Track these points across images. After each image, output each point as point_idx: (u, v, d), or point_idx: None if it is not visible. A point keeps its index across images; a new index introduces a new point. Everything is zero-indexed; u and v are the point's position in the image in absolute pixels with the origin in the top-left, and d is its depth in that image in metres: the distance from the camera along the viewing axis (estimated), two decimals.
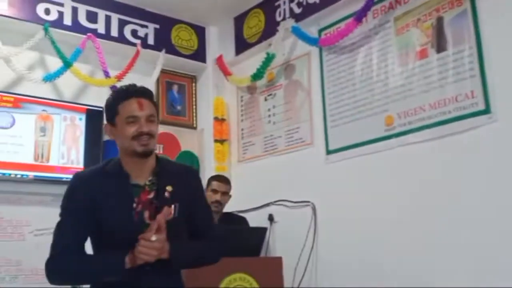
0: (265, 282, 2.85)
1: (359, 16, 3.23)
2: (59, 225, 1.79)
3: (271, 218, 3.72)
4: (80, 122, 3.67)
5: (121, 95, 1.81)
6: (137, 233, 1.69)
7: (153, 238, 1.67)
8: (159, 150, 4.11)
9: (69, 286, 1.92)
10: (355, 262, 3.12)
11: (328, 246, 3.34)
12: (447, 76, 2.87)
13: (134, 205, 1.77)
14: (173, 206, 1.77)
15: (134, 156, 1.78)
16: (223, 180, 3.55)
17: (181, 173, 1.89)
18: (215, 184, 3.50)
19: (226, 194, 3.52)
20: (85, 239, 1.81)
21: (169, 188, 1.80)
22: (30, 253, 3.33)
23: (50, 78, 3.54)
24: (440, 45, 2.93)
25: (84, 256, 1.78)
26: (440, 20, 2.94)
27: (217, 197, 3.45)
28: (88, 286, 1.86)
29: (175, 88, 4.39)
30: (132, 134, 1.75)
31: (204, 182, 4.16)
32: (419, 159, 2.93)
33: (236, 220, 3.58)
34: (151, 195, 1.79)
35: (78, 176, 1.86)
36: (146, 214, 1.77)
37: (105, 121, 1.90)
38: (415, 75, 3.02)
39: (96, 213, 1.76)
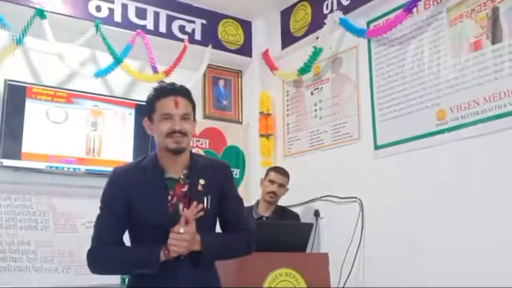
0: (311, 278, 2.83)
1: (408, 7, 3.15)
2: (98, 218, 1.88)
3: (317, 213, 3.69)
4: (129, 117, 3.75)
5: (159, 93, 1.87)
6: (173, 225, 1.77)
7: (181, 230, 1.74)
8: (205, 145, 4.15)
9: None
10: (403, 260, 3.05)
11: (375, 244, 3.29)
12: (503, 68, 2.76)
13: (169, 197, 1.83)
14: (205, 198, 1.84)
15: (167, 152, 1.84)
16: (281, 172, 3.53)
17: (212, 167, 1.94)
18: (272, 175, 3.50)
19: (282, 186, 3.50)
20: (123, 232, 1.88)
21: (201, 181, 1.86)
22: (82, 244, 3.34)
23: (101, 74, 3.64)
24: (495, 36, 2.81)
25: (121, 248, 1.85)
26: (495, 10, 2.83)
27: (273, 188, 3.44)
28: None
29: (221, 83, 4.41)
30: (166, 131, 1.82)
31: (249, 176, 4.21)
32: (473, 154, 2.83)
33: (289, 216, 3.56)
34: (185, 188, 1.86)
35: (115, 171, 1.92)
36: (181, 206, 1.84)
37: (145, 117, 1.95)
38: (468, 67, 2.92)
39: (133, 206, 1.83)
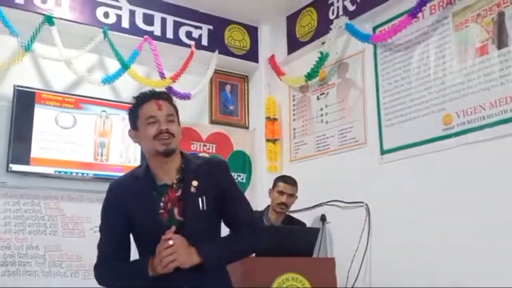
0: (318, 283, 2.83)
1: (414, 12, 3.15)
2: (100, 236, 1.90)
3: (323, 218, 3.69)
4: None
5: (140, 99, 1.86)
6: (166, 230, 1.75)
7: (170, 242, 1.71)
8: (212, 149, 4.17)
9: None
10: (410, 265, 3.05)
11: (382, 248, 3.28)
12: (509, 73, 2.75)
13: (162, 204, 1.81)
14: (200, 199, 1.80)
15: (158, 156, 1.81)
16: (290, 181, 3.48)
17: (207, 166, 1.89)
18: (281, 186, 3.45)
19: (292, 196, 3.46)
20: (125, 244, 1.88)
21: (194, 183, 1.82)
22: (90, 249, 3.36)
23: (109, 80, 3.66)
24: (501, 41, 2.81)
25: (118, 264, 1.85)
26: (501, 15, 2.83)
27: (283, 199, 3.41)
28: None
29: (227, 88, 4.43)
30: (153, 134, 1.79)
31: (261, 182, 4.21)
32: (480, 159, 2.82)
33: (296, 225, 3.54)
34: (179, 193, 1.83)
35: (110, 187, 1.92)
36: (176, 211, 1.81)
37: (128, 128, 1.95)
38: (474, 72, 2.92)
39: (131, 218, 1.83)
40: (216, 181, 1.87)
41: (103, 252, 1.87)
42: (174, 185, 1.83)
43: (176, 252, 1.70)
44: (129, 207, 1.82)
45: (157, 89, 1.94)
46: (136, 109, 1.85)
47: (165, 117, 1.81)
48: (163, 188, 1.83)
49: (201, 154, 4.10)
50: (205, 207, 1.81)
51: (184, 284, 1.75)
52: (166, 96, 1.90)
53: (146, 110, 1.82)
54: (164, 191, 1.83)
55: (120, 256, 1.86)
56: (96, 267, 1.89)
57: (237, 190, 1.96)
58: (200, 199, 1.80)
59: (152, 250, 1.74)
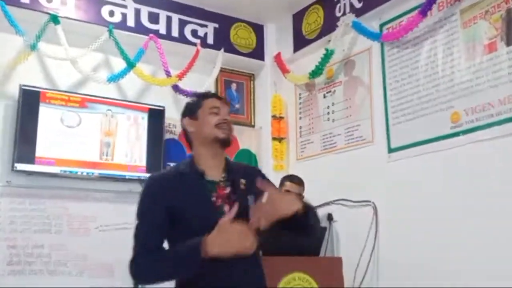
0: (325, 282, 2.81)
1: (424, 9, 3.12)
2: (137, 228, 1.82)
3: (330, 217, 3.66)
4: (142, 121, 3.76)
5: (205, 95, 1.98)
6: None
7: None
8: None
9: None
10: (417, 264, 3.02)
11: (389, 247, 3.26)
12: None
13: (213, 199, 1.80)
14: (249, 198, 1.80)
15: (214, 145, 1.86)
16: (297, 181, 3.44)
17: (247, 170, 1.98)
18: (288, 185, 3.41)
19: (299, 196, 3.43)
20: (163, 240, 1.82)
21: (243, 181, 1.86)
22: (95, 248, 3.45)
23: (114, 78, 3.66)
24: (510, 38, 2.78)
25: (162, 253, 1.79)
26: (509, 12, 2.80)
27: None
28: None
29: (233, 86, 4.41)
30: (216, 122, 1.86)
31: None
32: (489, 157, 2.79)
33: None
34: (227, 190, 1.84)
35: (153, 178, 1.90)
36: (226, 208, 1.79)
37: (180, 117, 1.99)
38: (483, 69, 2.88)
39: (175, 213, 1.77)
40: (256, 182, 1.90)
41: (144, 244, 1.78)
42: (221, 183, 1.85)
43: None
44: (176, 201, 1.77)
45: None
46: (200, 100, 1.93)
47: (226, 112, 1.92)
48: (211, 184, 1.84)
49: None
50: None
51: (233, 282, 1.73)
52: (228, 102, 2.00)
53: (211, 101, 1.91)
54: (212, 187, 1.83)
55: (159, 249, 1.79)
56: (134, 260, 1.77)
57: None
58: (249, 197, 1.80)
59: None
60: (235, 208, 1.70)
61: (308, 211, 1.80)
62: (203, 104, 1.90)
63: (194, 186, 1.82)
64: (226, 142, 1.86)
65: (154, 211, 1.80)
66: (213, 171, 1.86)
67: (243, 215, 1.74)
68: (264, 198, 1.67)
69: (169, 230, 1.80)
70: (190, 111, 1.93)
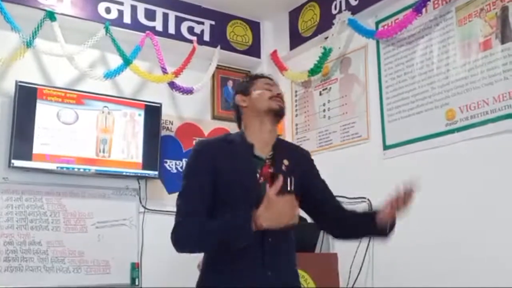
0: (320, 278, 2.83)
1: (418, 7, 3.13)
2: (183, 191, 1.79)
3: None
4: (139, 117, 3.77)
5: (258, 75, 2.03)
6: (260, 203, 1.65)
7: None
8: None
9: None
10: (412, 261, 3.05)
11: (384, 244, 3.27)
12: None
13: (257, 175, 1.79)
14: (289, 179, 1.72)
15: (268, 116, 1.88)
16: None
17: (296, 150, 2.02)
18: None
19: None
20: (210, 204, 1.76)
21: (286, 162, 1.85)
22: (92, 244, 3.46)
23: (110, 75, 3.65)
24: (504, 35, 2.80)
25: (210, 220, 1.72)
26: (504, 9, 2.81)
27: None
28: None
29: (229, 83, 4.42)
30: (270, 94, 1.91)
31: None
32: (483, 154, 2.81)
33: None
34: (271, 169, 1.82)
35: (201, 143, 1.93)
36: (267, 186, 1.75)
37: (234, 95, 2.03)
38: (478, 67, 2.90)
39: (221, 178, 1.76)
40: (304, 165, 1.96)
41: (191, 208, 1.72)
42: (267, 160, 1.84)
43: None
44: (223, 169, 1.76)
45: None
46: (253, 78, 1.99)
47: (278, 89, 1.97)
48: (258, 160, 1.83)
49: None
50: (292, 188, 1.73)
51: (267, 271, 1.72)
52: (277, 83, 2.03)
53: (263, 80, 1.97)
54: (258, 163, 1.82)
55: (206, 214, 1.73)
56: (177, 227, 1.71)
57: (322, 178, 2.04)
58: (289, 179, 1.72)
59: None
60: (280, 181, 1.65)
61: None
62: (256, 82, 1.96)
63: (242, 157, 1.81)
64: (280, 113, 1.90)
65: (201, 175, 1.77)
66: (263, 146, 1.86)
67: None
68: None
69: (214, 195, 1.77)
70: (243, 88, 1.97)
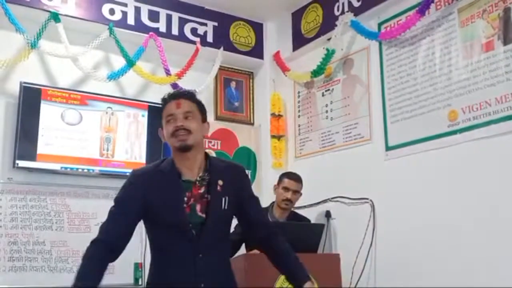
0: (323, 279, 2.83)
1: (422, 8, 3.14)
2: (110, 211, 1.93)
3: (328, 214, 3.69)
4: (142, 118, 3.79)
5: (165, 100, 2.00)
6: (188, 225, 1.85)
7: None
8: (217, 146, 4.18)
9: None
10: (414, 262, 3.05)
11: (387, 245, 3.28)
12: None
13: (186, 199, 1.89)
14: (223, 199, 1.90)
15: (177, 151, 1.92)
16: (295, 178, 3.47)
17: (229, 169, 2.01)
18: (286, 182, 3.44)
19: (297, 192, 3.45)
20: (129, 230, 1.91)
21: (220, 182, 1.93)
22: None
23: (114, 76, 3.67)
24: (507, 36, 2.80)
25: (91, 261, 1.85)
26: (507, 10, 2.82)
27: (288, 195, 3.40)
28: None
29: (232, 84, 4.43)
30: (171, 131, 1.91)
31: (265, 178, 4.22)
32: (486, 155, 2.81)
33: (300, 221, 3.54)
34: (202, 190, 1.91)
35: (134, 173, 2.00)
36: (198, 207, 1.90)
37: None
38: (480, 68, 2.91)
39: (150, 207, 1.89)
40: (238, 184, 2.00)
41: (105, 231, 1.88)
42: (197, 182, 1.92)
43: None
44: (152, 198, 1.88)
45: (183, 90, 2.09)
46: (162, 109, 1.98)
47: (182, 114, 1.91)
48: (187, 184, 1.91)
49: (206, 151, 4.10)
50: (226, 207, 1.92)
51: (200, 283, 1.83)
52: (188, 94, 1.99)
53: (166, 109, 1.95)
54: (188, 186, 1.91)
55: (120, 240, 1.88)
56: (91, 243, 1.87)
57: (254, 194, 2.11)
58: (223, 199, 1.90)
59: (168, 241, 1.84)
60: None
61: None
62: (162, 114, 1.96)
63: (170, 185, 1.90)
64: (182, 149, 1.90)
65: (128, 203, 1.90)
66: (190, 171, 1.93)
67: (213, 216, 1.87)
68: None
69: (145, 222, 1.94)
70: (160, 123, 2.00)
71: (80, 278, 1.79)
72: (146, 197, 1.88)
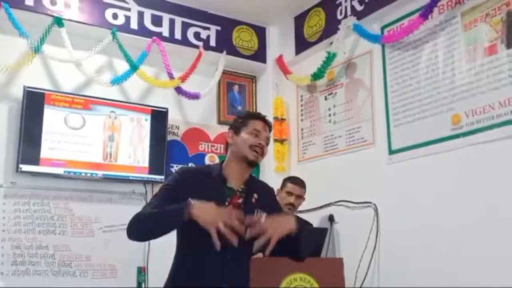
0: (326, 283, 2.83)
1: (425, 12, 3.14)
2: (152, 198, 2.06)
3: (331, 218, 3.69)
4: (145, 122, 3.79)
5: (253, 114, 2.19)
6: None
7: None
8: (220, 150, 4.18)
9: None
10: (418, 266, 3.04)
11: (390, 248, 3.27)
12: None
13: (226, 203, 2.00)
14: (256, 211, 1.95)
15: (243, 162, 2.05)
16: (299, 183, 3.48)
17: (265, 189, 2.21)
18: (290, 187, 3.44)
19: (300, 197, 3.45)
20: None
21: (255, 195, 2.08)
22: (99, 249, 3.48)
23: (117, 80, 3.68)
24: (510, 40, 2.80)
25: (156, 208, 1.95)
26: (510, 14, 2.82)
27: (291, 199, 3.39)
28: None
29: (235, 88, 4.44)
30: (251, 143, 2.06)
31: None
32: (488, 159, 2.81)
33: (303, 225, 3.54)
34: (240, 200, 2.05)
35: (184, 168, 2.19)
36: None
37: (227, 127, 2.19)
38: (483, 71, 2.90)
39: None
40: (270, 203, 2.13)
41: (156, 206, 1.95)
42: (238, 192, 2.06)
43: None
44: (196, 196, 1.90)
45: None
46: (247, 118, 2.13)
47: (265, 138, 2.10)
48: (230, 191, 2.05)
49: (209, 155, 4.12)
50: None
51: (223, 283, 1.93)
52: (270, 125, 2.18)
53: (255, 123, 2.10)
54: (230, 193, 2.04)
55: None
56: (133, 217, 1.94)
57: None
58: (256, 210, 1.97)
59: (201, 240, 1.86)
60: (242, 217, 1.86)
61: (300, 232, 1.99)
62: (248, 123, 2.10)
63: (215, 187, 2.02)
64: (252, 164, 2.06)
65: (171, 195, 1.98)
66: (235, 181, 2.07)
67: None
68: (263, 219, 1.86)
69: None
70: (236, 126, 2.13)
71: (167, 210, 1.88)
72: (190, 192, 1.92)
